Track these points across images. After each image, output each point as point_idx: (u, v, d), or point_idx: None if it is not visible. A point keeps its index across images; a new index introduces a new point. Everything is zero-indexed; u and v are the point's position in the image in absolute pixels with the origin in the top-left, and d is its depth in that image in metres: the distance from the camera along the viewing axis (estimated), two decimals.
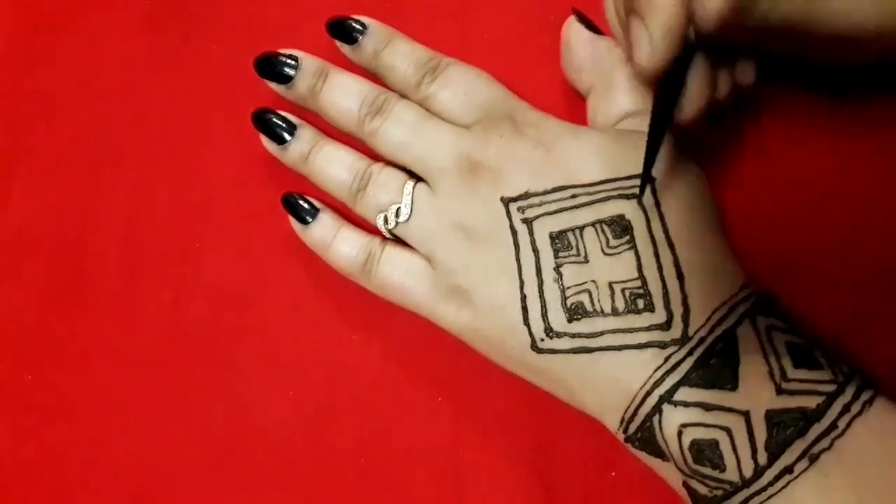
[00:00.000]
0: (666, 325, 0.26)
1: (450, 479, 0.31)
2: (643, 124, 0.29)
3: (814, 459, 0.23)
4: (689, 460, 0.25)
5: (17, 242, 0.35)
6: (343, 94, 0.31)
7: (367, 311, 0.33)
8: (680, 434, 0.25)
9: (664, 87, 0.25)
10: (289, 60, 0.32)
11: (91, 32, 0.37)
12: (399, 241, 0.31)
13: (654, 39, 0.23)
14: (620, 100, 0.30)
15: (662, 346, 0.26)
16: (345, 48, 0.32)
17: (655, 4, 0.23)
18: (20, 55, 0.37)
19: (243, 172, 0.35)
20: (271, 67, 0.32)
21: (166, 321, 0.33)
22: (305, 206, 0.32)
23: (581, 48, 0.30)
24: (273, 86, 0.32)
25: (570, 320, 0.27)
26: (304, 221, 0.32)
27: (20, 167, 0.36)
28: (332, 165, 0.32)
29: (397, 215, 0.30)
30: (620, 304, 0.26)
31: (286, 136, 0.32)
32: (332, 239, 0.32)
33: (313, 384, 0.33)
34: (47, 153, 0.36)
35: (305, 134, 0.32)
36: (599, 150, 0.28)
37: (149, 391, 0.33)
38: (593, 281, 0.27)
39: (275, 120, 0.32)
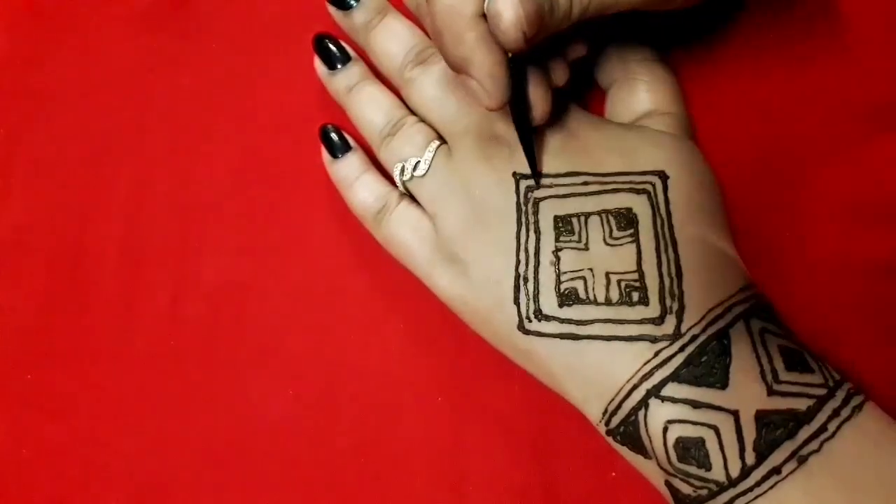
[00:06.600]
0: (659, 320, 0.26)
1: (450, 479, 0.31)
2: (661, 124, 0.29)
3: (802, 461, 0.23)
4: (674, 458, 0.25)
5: (16, 242, 0.35)
6: (393, 38, 0.32)
7: (366, 310, 0.33)
8: (665, 430, 0.25)
9: (513, 101, 0.26)
10: None
11: (91, 32, 0.37)
12: (412, 200, 0.31)
13: (487, 89, 0.25)
14: (642, 97, 0.30)
15: (653, 340, 0.26)
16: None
17: (472, 61, 0.24)
18: (20, 55, 0.37)
19: (243, 172, 0.35)
20: None
21: (165, 321, 0.33)
22: (339, 141, 0.33)
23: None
24: (332, 10, 0.33)
25: (561, 305, 0.27)
26: (333, 155, 0.33)
27: (20, 167, 0.36)
28: (370, 104, 0.32)
29: (414, 169, 0.30)
30: (615, 295, 0.26)
31: (338, 64, 0.33)
32: (354, 179, 0.32)
33: (313, 384, 0.32)
34: (47, 153, 0.36)
35: (356, 68, 0.33)
36: (619, 142, 0.29)
37: (148, 391, 0.33)
38: (590, 269, 0.27)
39: (333, 47, 0.33)
